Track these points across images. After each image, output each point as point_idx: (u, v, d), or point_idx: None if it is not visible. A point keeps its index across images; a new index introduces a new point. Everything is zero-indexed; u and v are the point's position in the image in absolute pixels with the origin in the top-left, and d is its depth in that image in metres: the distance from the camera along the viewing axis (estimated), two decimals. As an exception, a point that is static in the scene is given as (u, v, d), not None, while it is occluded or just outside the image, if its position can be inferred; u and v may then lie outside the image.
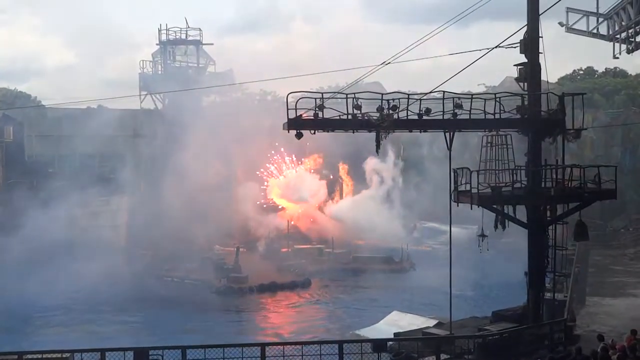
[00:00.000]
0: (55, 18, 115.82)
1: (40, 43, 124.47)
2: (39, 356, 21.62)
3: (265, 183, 58.03)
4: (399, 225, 55.06)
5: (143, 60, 61.57)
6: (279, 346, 22.46)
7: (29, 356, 21.60)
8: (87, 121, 56.27)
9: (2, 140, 56.91)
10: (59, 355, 21.66)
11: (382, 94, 22.86)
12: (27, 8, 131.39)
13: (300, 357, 21.79)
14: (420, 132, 24.93)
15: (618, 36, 28.50)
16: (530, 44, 24.04)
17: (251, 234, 52.94)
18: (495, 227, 24.13)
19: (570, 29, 30.28)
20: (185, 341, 27.39)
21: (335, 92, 23.02)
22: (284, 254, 50.72)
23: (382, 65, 24.96)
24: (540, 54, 24.16)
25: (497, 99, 23.72)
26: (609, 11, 28.89)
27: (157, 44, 60.89)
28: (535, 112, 24.08)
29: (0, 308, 36.13)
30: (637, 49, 27.85)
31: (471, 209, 23.57)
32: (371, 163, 56.39)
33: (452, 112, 22.96)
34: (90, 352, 22.34)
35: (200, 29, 61.18)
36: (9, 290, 39.12)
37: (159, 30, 60.37)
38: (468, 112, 23.27)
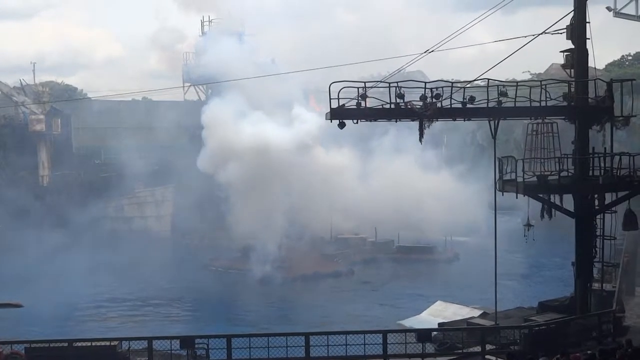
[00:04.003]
0: (101, 11, 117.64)
1: (86, 37, 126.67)
2: (88, 344, 22.12)
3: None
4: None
5: (186, 52, 62.10)
6: (323, 335, 22.51)
7: (79, 344, 22.06)
8: (132, 113, 57.10)
9: (50, 132, 58.20)
10: (107, 343, 22.13)
11: (425, 83, 22.63)
12: (74, 2, 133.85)
13: (344, 346, 21.82)
14: (464, 120, 24.67)
15: (669, 20, 27.81)
16: (577, 30, 23.51)
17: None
18: (542, 216, 23.76)
19: (618, 14, 29.69)
20: (230, 330, 27.70)
21: (377, 81, 22.82)
22: (326, 244, 50.51)
23: (425, 54, 24.69)
24: (587, 40, 23.67)
25: (543, 86, 23.34)
26: (659, -6, 28.20)
27: (200, 35, 61.27)
28: (583, 99, 23.59)
29: (51, 298, 36.94)
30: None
31: (516, 197, 23.28)
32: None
33: (496, 100, 22.66)
34: (137, 340, 22.78)
35: (242, 20, 61.24)
36: (57, 281, 40.02)
37: (202, 22, 60.81)
38: (513, 99, 22.95)
